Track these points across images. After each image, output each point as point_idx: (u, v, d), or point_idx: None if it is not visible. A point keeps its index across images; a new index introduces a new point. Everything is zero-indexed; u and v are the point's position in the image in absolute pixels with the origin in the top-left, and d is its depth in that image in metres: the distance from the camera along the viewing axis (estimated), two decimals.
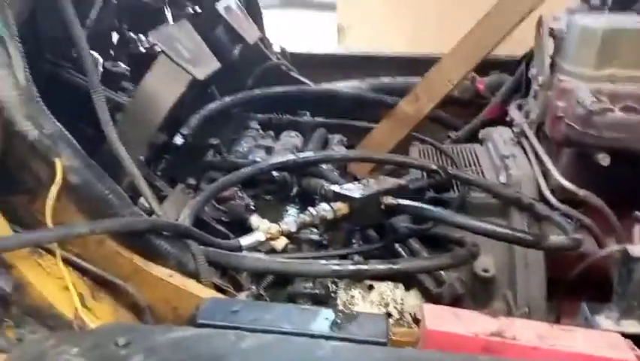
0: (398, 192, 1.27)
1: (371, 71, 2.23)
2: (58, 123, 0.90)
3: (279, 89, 2.10)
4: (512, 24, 1.50)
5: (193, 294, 1.02)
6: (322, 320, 0.93)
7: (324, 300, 1.28)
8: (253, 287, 1.18)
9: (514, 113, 1.58)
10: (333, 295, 1.27)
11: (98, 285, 1.01)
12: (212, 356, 0.77)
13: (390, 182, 1.29)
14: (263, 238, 1.21)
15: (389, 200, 1.24)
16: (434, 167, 1.38)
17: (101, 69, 1.62)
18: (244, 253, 1.14)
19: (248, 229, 1.46)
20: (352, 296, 1.26)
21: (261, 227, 1.41)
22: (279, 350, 0.77)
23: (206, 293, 1.03)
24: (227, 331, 0.84)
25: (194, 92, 1.34)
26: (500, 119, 1.88)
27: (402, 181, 1.32)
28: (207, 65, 1.28)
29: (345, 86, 2.15)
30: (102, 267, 1.01)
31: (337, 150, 1.75)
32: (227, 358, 0.76)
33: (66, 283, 0.93)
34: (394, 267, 1.04)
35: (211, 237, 1.14)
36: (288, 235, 1.24)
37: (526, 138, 1.46)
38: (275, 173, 1.59)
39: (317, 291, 1.27)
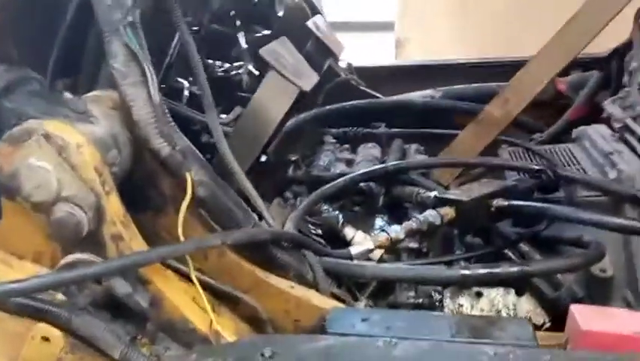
0: (506, 193, 1.22)
1: (438, 80, 2.20)
2: (186, 138, 0.91)
3: (351, 103, 2.09)
4: (604, 22, 1.45)
5: (316, 305, 1.00)
6: (462, 325, 0.89)
7: (428, 309, 1.24)
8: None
9: (612, 108, 1.51)
10: (437, 304, 1.23)
11: (216, 299, 1.01)
12: None
13: (497, 184, 1.25)
14: (372, 247, 1.18)
15: (499, 202, 1.20)
16: (537, 167, 1.33)
17: (187, 93, 1.66)
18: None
19: (342, 240, 1.45)
20: (460, 305, 1.21)
21: (358, 237, 1.40)
22: (437, 357, 0.74)
23: (329, 304, 1.01)
24: (373, 338, 0.80)
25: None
26: (587, 118, 1.81)
27: (509, 183, 1.27)
28: (310, 78, 1.28)
29: (416, 95, 2.12)
30: (221, 280, 1.00)
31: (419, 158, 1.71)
32: None
33: (192, 297, 0.94)
34: (527, 269, 0.98)
35: (323, 247, 1.12)
36: (396, 243, 1.21)
37: (631, 132, 1.38)
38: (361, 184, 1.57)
39: (421, 300, 1.23)
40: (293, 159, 1.80)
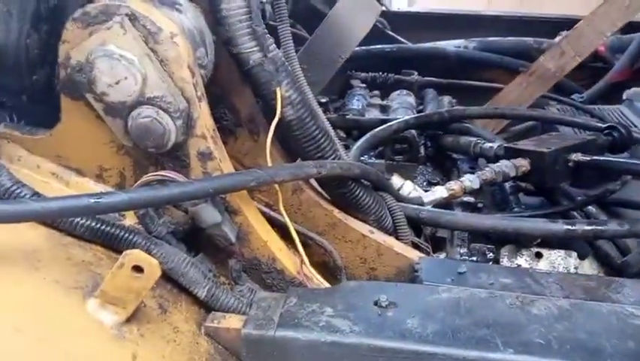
0: (584, 148, 1.13)
1: (473, 30, 2.08)
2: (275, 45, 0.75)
3: (378, 47, 1.96)
4: None
5: (398, 254, 0.89)
6: (571, 285, 0.79)
7: None
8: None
9: None
10: (491, 263, 1.15)
11: (284, 240, 0.88)
12: (507, 323, 0.63)
13: (573, 137, 1.15)
14: (446, 195, 1.07)
15: (579, 156, 1.10)
16: (608, 125, 1.24)
17: None
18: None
19: None
20: (518, 265, 1.13)
21: (407, 186, 1.29)
22: (584, 317, 0.64)
23: (412, 254, 0.90)
24: (505, 293, 0.70)
25: None
26: (628, 82, 1.74)
27: (587, 137, 1.18)
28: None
29: (449, 44, 1.99)
30: (293, 219, 0.87)
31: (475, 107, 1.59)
32: (527, 327, 0.62)
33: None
34: (636, 229, 0.89)
35: (398, 192, 1.01)
36: (470, 192, 1.11)
37: None
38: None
39: (474, 258, 1.15)
40: (322, 101, 1.66)
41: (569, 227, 0.89)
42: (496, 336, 0.61)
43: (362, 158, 1.42)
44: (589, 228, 0.89)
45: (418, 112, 1.70)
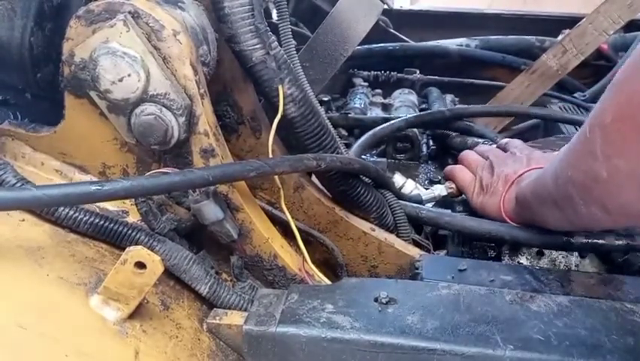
0: None
1: (476, 29, 2.08)
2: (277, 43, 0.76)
3: (380, 45, 1.96)
4: None
5: (399, 251, 0.89)
6: (571, 282, 0.80)
7: None
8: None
9: None
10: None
11: (286, 237, 0.88)
12: (506, 319, 0.63)
13: None
14: (445, 193, 1.08)
15: None
16: None
17: None
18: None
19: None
20: (519, 263, 1.13)
21: (408, 185, 1.29)
22: (582, 313, 0.65)
23: (412, 251, 0.91)
24: (504, 290, 0.71)
25: None
26: None
27: None
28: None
29: (452, 43, 1.99)
30: (294, 216, 0.87)
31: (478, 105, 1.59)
32: (526, 323, 0.63)
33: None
34: (634, 244, 0.88)
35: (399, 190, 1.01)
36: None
37: None
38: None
39: (476, 256, 1.15)
40: (324, 99, 1.67)
41: (567, 238, 0.88)
42: (496, 332, 0.61)
43: (364, 156, 1.43)
44: (586, 241, 0.89)
45: (420, 110, 1.70)
